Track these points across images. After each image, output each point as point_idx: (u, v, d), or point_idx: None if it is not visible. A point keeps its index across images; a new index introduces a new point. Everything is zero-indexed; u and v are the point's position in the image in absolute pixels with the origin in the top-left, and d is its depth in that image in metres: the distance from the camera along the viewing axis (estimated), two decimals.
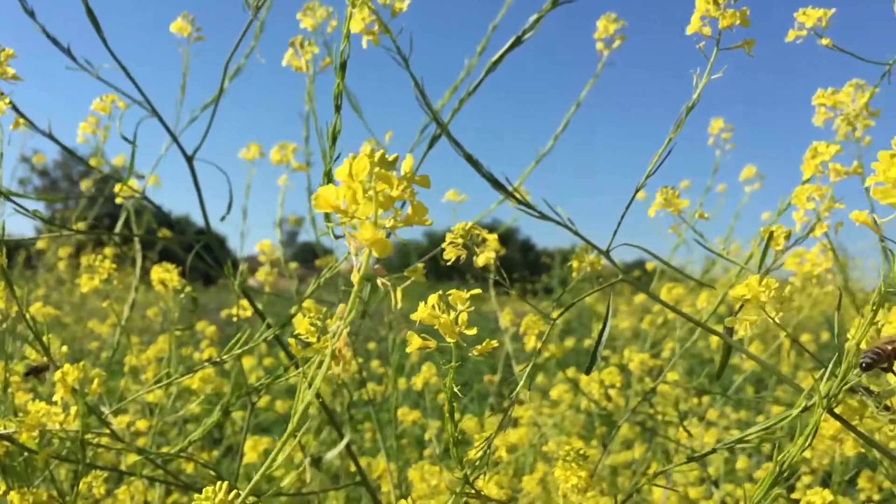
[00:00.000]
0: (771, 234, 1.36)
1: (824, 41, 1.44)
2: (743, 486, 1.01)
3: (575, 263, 1.65)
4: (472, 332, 0.98)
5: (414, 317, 0.99)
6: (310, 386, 0.75)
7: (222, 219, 1.79)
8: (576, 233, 1.44)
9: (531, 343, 2.20)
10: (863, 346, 0.94)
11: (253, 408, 1.78)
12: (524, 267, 6.37)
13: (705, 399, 4.22)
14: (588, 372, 1.37)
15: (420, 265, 0.77)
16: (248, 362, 3.12)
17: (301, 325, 1.46)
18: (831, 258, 2.16)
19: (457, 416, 3.24)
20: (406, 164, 0.75)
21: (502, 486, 2.94)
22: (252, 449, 2.44)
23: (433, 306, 0.98)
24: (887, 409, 0.95)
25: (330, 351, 0.73)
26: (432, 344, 1.00)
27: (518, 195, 1.46)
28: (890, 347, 0.92)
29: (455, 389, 1.08)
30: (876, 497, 2.82)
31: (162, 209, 2.05)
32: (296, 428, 0.72)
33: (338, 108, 1.21)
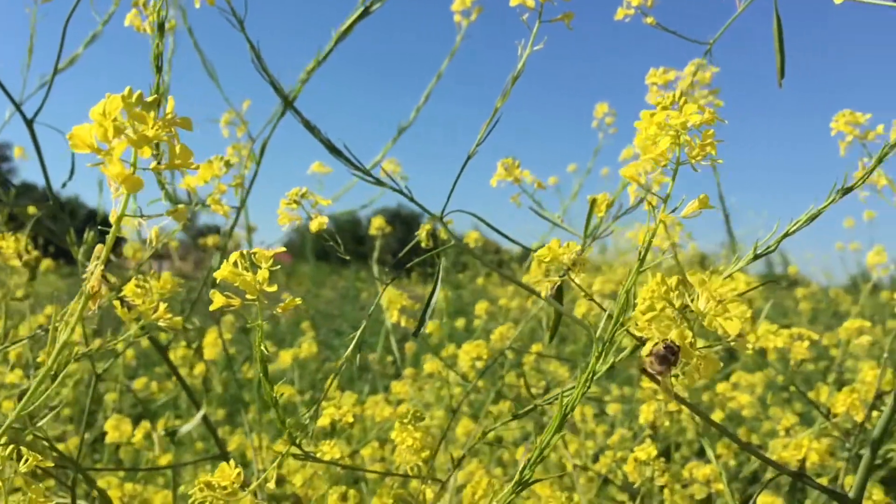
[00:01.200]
0: (594, 201, 1.43)
1: (649, 20, 1.52)
2: (536, 432, 1.06)
3: (421, 233, 1.68)
4: (273, 288, 0.99)
5: (216, 275, 0.99)
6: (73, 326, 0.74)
7: (63, 185, 1.73)
8: (411, 199, 1.47)
9: (394, 317, 2.23)
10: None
11: (96, 381, 1.73)
12: (427, 251, 6.37)
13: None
14: (415, 335, 1.40)
15: (181, 206, 0.77)
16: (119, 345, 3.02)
17: (128, 288, 1.43)
18: (677, 233, 2.29)
19: (337, 392, 3.21)
20: (168, 106, 0.75)
21: (383, 459, 2.97)
22: (114, 428, 2.37)
23: (234, 263, 0.98)
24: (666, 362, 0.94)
25: (86, 290, 0.73)
26: (236, 302, 1.00)
27: (358, 163, 1.47)
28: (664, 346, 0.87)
29: (265, 349, 1.08)
30: (732, 462, 3.02)
31: (9, 182, 1.95)
32: (49, 369, 0.72)
33: (158, 69, 1.19)
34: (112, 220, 0.73)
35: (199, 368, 3.16)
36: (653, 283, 0.84)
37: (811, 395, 2.85)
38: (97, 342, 1.48)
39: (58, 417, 3.67)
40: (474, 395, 3.64)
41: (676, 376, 0.95)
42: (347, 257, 1.39)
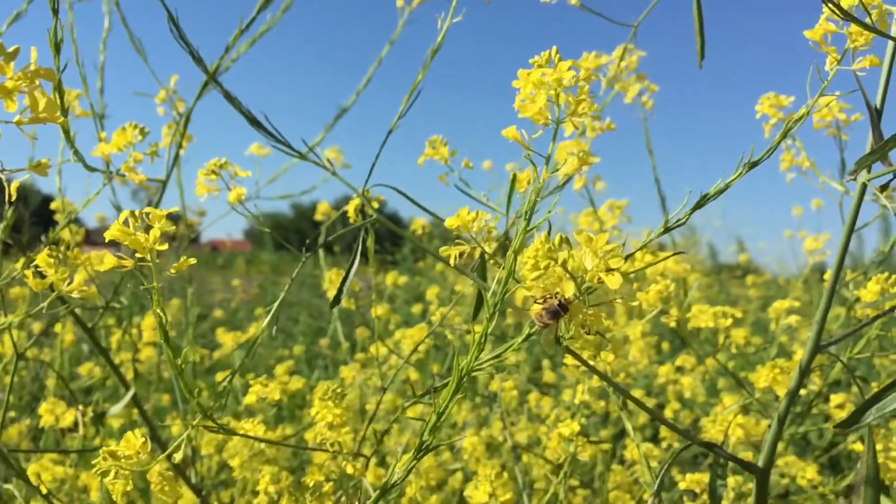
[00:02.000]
0: (514, 177, 1.43)
1: (573, 1, 1.52)
2: (436, 396, 1.07)
3: (350, 209, 1.68)
4: (164, 247, 0.97)
5: (107, 235, 0.97)
6: None
7: None
8: (334, 174, 1.46)
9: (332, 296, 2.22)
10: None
11: (18, 360, 1.70)
12: (389, 238, 6.39)
13: (545, 363, 4.43)
14: (331, 308, 1.40)
15: (44, 161, 0.75)
16: (59, 328, 2.98)
17: (40, 258, 1.41)
18: (616, 216, 2.32)
19: (286, 378, 3.17)
20: (31, 56, 0.73)
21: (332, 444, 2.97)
22: (49, 412, 2.33)
23: (125, 222, 0.97)
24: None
25: None
26: (128, 263, 0.98)
27: (285, 139, 1.46)
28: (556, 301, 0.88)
29: (163, 314, 1.06)
30: (676, 445, 3.07)
31: None
32: None
33: (55, 12, 1.17)
34: None
35: (145, 353, 3.12)
36: (537, 243, 0.85)
37: (751, 376, 2.90)
38: (10, 317, 1.45)
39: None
40: (430, 381, 3.66)
41: (561, 338, 0.97)
42: (273, 238, 1.38)
